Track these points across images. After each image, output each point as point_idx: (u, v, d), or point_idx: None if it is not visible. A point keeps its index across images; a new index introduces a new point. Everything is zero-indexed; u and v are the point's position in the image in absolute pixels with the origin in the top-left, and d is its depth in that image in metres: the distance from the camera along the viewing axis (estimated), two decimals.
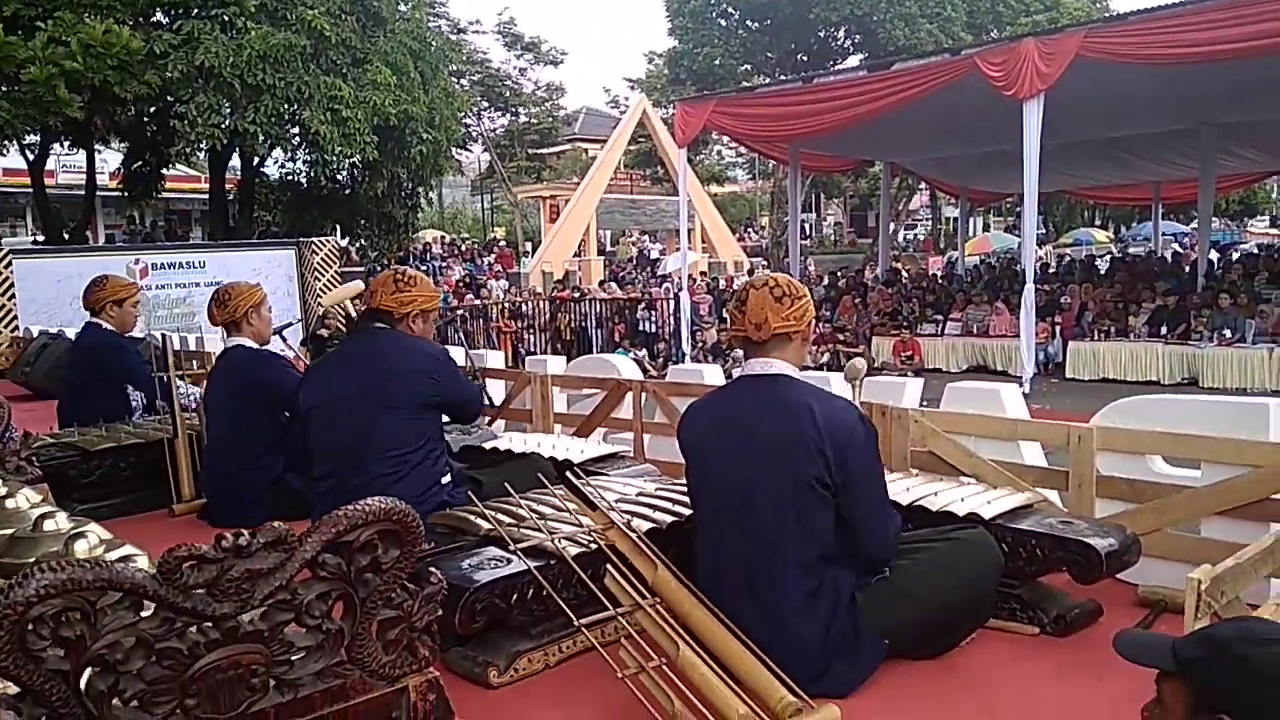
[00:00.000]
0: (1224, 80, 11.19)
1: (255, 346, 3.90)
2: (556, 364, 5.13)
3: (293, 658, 1.42)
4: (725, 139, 29.99)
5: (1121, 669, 2.09)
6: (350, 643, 1.46)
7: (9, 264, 10.54)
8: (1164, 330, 13.21)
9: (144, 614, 1.29)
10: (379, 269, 22.05)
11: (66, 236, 16.83)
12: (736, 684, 2.11)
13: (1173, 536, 2.82)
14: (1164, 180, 19.99)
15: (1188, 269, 16.20)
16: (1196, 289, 14.22)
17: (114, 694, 1.27)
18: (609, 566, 2.41)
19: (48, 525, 1.84)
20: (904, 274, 20.08)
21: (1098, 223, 36.73)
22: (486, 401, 3.99)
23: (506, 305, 18.56)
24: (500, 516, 2.68)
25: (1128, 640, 1.43)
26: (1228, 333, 12.46)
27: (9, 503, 1.99)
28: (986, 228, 36.20)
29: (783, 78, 22.29)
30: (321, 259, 13.39)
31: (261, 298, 3.94)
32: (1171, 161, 17.24)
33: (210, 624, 1.32)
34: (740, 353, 2.54)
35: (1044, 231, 30.19)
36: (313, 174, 16.14)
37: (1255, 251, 20.30)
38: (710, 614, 2.28)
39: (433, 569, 1.58)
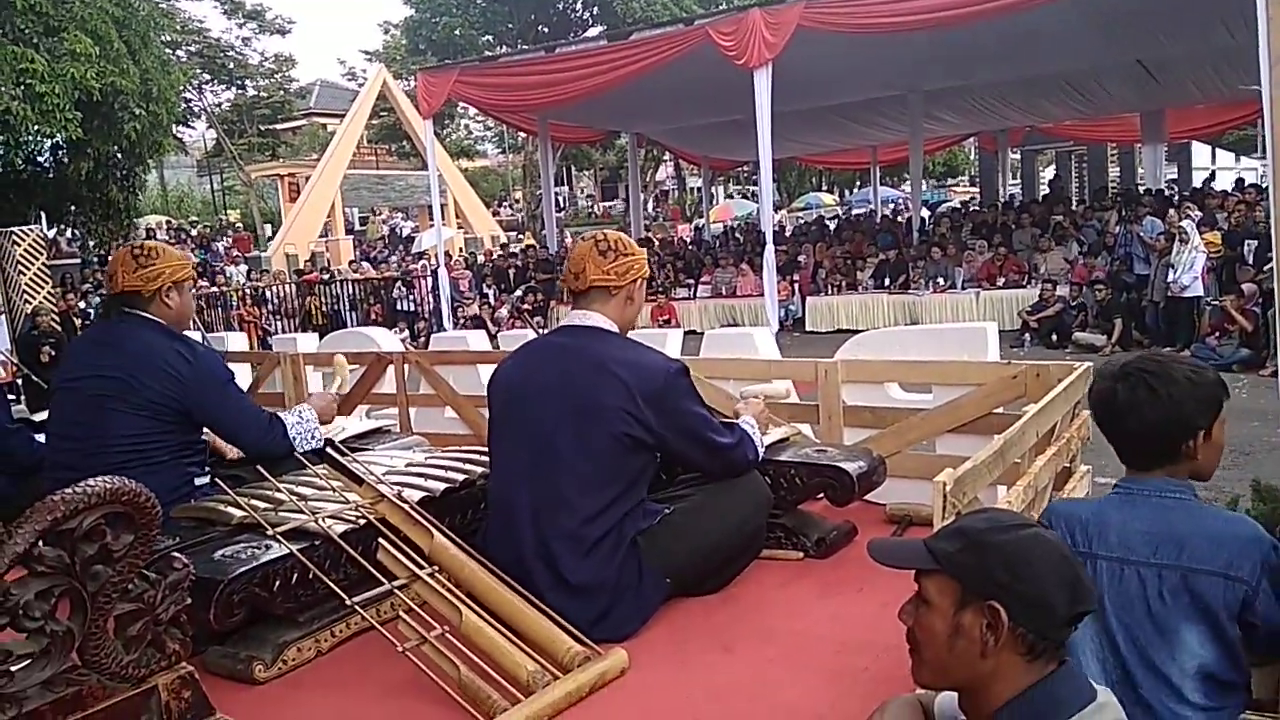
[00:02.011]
0: (926, 49, 12.34)
1: None
2: (308, 342, 4.84)
3: (13, 668, 1.23)
4: (472, 112, 29.49)
5: (878, 580, 2.27)
6: (82, 644, 1.28)
7: None
8: (887, 282, 14.53)
9: None
10: (97, 261, 19.99)
11: None
12: (523, 641, 2.08)
13: (912, 456, 3.08)
14: (880, 145, 21.82)
15: (903, 226, 17.78)
16: (912, 243, 15.66)
17: None
18: (381, 540, 2.29)
19: None
20: (655, 242, 20.67)
21: (825, 188, 39.45)
22: (291, 438, 2.84)
23: (248, 291, 17.31)
24: (255, 502, 2.48)
25: (880, 547, 1.45)
26: (941, 280, 13.87)
27: None
28: (729, 195, 37.95)
29: (525, 48, 22.16)
30: (25, 251, 11.80)
31: None
32: (886, 126, 18.84)
33: None
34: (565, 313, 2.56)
35: (778, 197, 32.03)
36: (7, 156, 14.26)
37: (959, 207, 22.70)
38: (492, 575, 2.23)
39: (176, 554, 1.42)
